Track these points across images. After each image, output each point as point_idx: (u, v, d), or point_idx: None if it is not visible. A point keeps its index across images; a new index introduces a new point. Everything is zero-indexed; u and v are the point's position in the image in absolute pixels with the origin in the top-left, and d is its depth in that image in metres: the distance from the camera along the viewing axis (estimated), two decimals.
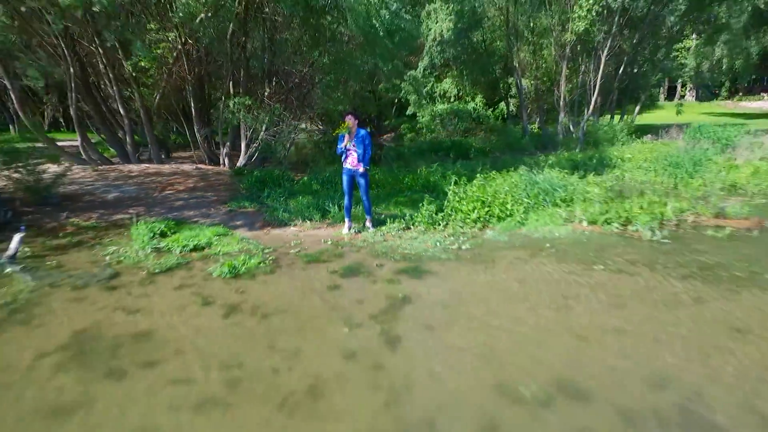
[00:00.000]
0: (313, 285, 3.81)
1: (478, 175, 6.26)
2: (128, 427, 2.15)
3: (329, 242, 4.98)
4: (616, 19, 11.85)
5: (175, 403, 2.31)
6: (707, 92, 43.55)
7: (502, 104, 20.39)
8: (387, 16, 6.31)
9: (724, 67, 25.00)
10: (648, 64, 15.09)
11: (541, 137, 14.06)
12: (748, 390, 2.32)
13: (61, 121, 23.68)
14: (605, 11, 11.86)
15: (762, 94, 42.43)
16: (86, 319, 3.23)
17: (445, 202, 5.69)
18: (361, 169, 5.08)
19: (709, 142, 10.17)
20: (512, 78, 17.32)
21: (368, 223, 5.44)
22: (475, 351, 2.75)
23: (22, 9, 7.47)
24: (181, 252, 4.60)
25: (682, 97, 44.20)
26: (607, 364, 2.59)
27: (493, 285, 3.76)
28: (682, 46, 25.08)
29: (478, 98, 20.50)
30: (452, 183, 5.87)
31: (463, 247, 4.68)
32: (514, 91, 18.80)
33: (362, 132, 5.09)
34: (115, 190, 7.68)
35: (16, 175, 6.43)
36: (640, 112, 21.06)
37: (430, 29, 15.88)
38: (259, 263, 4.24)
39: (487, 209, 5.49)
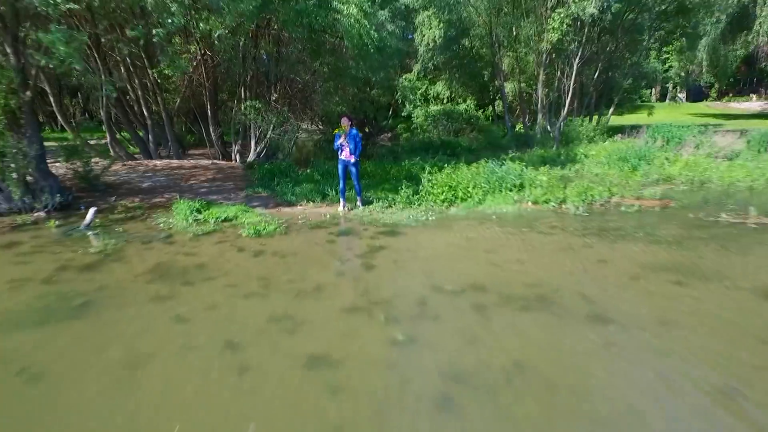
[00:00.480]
0: (315, 240, 5.29)
1: (446, 166, 7.76)
2: (201, 306, 3.62)
3: (328, 216, 6.46)
4: (586, 30, 13.33)
5: (229, 296, 3.78)
6: (697, 93, 44.95)
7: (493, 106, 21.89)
8: (376, 36, 7.77)
9: (703, 70, 26.49)
10: (620, 70, 16.54)
11: (522, 136, 15.53)
12: (584, 287, 3.78)
13: (72, 121, 25.17)
14: (578, 23, 13.35)
15: (751, 95, 43.73)
16: (158, 259, 4.71)
17: (420, 187, 7.17)
18: (352, 160, 6.57)
19: (664, 140, 11.64)
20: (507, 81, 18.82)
21: (359, 203, 6.92)
22: (422, 270, 4.22)
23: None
24: (215, 222, 6.08)
25: (674, 98, 45.73)
26: (505, 277, 4.06)
27: (445, 239, 5.24)
28: (673, 48, 26.60)
29: (470, 100, 22.00)
30: (426, 173, 7.35)
31: (430, 218, 6.16)
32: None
33: (354, 131, 6.58)
34: (147, 180, 9.17)
35: (72, 167, 7.92)
36: (623, 113, 22.57)
37: (423, 35, 17.43)
38: (275, 228, 5.71)
39: (453, 192, 6.96)
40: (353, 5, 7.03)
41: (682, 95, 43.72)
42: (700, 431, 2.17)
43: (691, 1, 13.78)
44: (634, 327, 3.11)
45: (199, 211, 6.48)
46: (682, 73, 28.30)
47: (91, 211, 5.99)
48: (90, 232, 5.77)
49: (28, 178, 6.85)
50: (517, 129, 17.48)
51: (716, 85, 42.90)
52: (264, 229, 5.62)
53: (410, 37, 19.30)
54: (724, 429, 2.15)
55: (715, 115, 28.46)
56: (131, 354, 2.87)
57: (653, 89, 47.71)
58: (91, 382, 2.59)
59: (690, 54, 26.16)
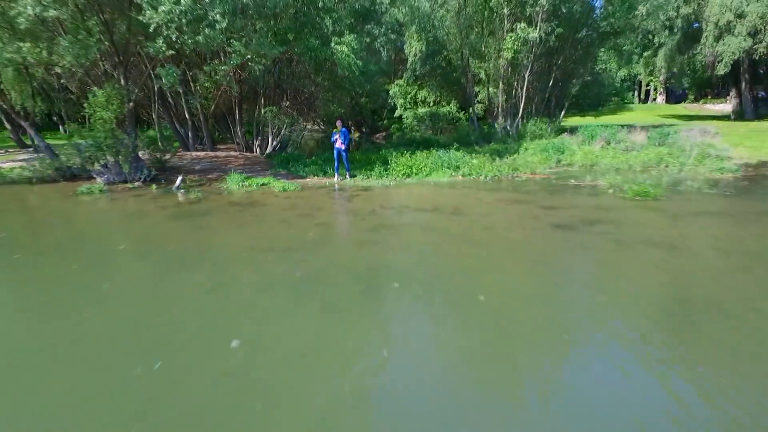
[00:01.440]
0: (320, 194, 9.03)
1: (406, 153, 11.50)
2: (261, 212, 7.33)
3: (327, 183, 10.20)
4: (534, 49, 17.03)
5: (275, 209, 7.50)
6: (681, 96, 48.59)
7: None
8: (360, 64, 11.48)
9: (661, 76, 30.16)
10: (572, 80, 20.22)
11: (488, 134, 19.24)
12: (464, 207, 7.50)
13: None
14: (528, 42, 17.02)
15: (729, 97, 47.16)
16: (229, 200, 8.44)
17: (388, 166, 10.90)
18: (342, 147, 10.31)
19: (585, 136, 15.33)
20: (478, 88, 22.57)
21: (348, 176, 10.66)
22: (379, 202, 7.94)
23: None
24: (256, 186, 9.82)
25: (654, 99, 49.41)
26: (423, 203, 7.77)
27: (398, 192, 8.97)
28: (650, 53, 30.32)
29: (453, 103, 25.73)
30: (393, 157, 11.09)
31: (392, 184, 9.89)
32: (480, 97, 23.98)
33: (344, 129, 10.32)
34: (197, 164, 12.95)
35: (149, 153, 11.70)
36: (602, 114, 26.38)
37: (412, 47, 21.14)
38: (294, 188, 9.44)
39: (409, 169, 10.69)
40: (344, 45, 10.77)
41: (662, 98, 47.31)
42: None
43: (617, 26, 17.48)
44: (474, 215, 6.79)
45: (243, 180, 10.24)
46: (655, 78, 31.89)
47: (179, 177, 9.75)
48: (179, 191, 9.53)
49: (129, 159, 10.63)
50: (487, 128, 21.18)
51: (693, 88, 46.43)
52: (288, 188, 9.35)
53: (402, 46, 23.07)
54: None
55: (681, 116, 32.06)
56: (241, 224, 6.61)
57: (635, 92, 51.46)
58: (230, 231, 6.32)
59: (652, 62, 29.96)
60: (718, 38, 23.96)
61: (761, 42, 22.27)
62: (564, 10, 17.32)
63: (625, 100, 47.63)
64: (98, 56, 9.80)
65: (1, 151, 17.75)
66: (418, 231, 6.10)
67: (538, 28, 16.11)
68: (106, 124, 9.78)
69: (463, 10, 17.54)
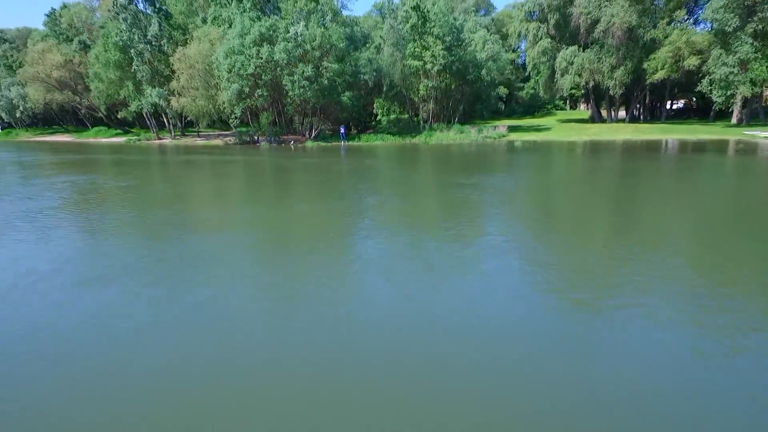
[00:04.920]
0: (337, 147, 30.45)
1: (366, 138, 32.89)
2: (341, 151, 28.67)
3: (333, 143, 31.68)
4: (438, 82, 38.13)
5: (327, 149, 28.86)
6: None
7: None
8: (352, 102, 32.41)
9: (543, 93, 50.95)
10: (459, 101, 41.22)
11: (417, 128, 40.38)
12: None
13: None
14: (429, 86, 38.02)
15: (588, 106, 66.98)
16: (314, 147, 29.84)
17: (357, 140, 32.42)
18: (343, 132, 31.84)
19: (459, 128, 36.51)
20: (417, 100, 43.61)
21: (343, 143, 32.17)
22: (354, 147, 29.26)
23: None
24: (315, 144, 31.34)
25: (573, 107, 69.96)
26: (380, 149, 29.10)
27: (365, 145, 30.38)
28: (531, 84, 51.17)
29: (406, 111, 46.86)
30: (360, 138, 32.64)
31: (363, 144, 31.39)
32: (423, 107, 44.92)
33: (342, 128, 31.88)
34: (291, 139, 34.63)
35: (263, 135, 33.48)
36: (535, 116, 47.43)
37: (384, 84, 42.24)
38: (329, 144, 30.84)
39: (366, 141, 32.19)
40: (347, 95, 31.94)
41: (584, 105, 67.74)
42: None
43: (495, 78, 38.61)
44: (389, 149, 27.99)
45: (307, 144, 31.76)
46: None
47: (291, 141, 31.27)
48: (292, 145, 31.08)
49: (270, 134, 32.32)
50: (422, 126, 42.24)
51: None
52: (327, 144, 30.74)
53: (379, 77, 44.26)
54: None
55: (561, 119, 52.76)
56: (326, 153, 28.01)
57: (567, 101, 72.07)
58: (323, 154, 27.75)
59: (541, 84, 50.84)
60: (561, 75, 44.89)
61: (589, 77, 42.82)
62: (453, 69, 38.45)
63: (557, 107, 68.40)
64: (265, 104, 31.38)
65: (221, 132, 39.62)
66: (368, 152, 27.52)
67: (434, 79, 37.39)
68: (266, 122, 31.28)
69: (402, 71, 38.88)
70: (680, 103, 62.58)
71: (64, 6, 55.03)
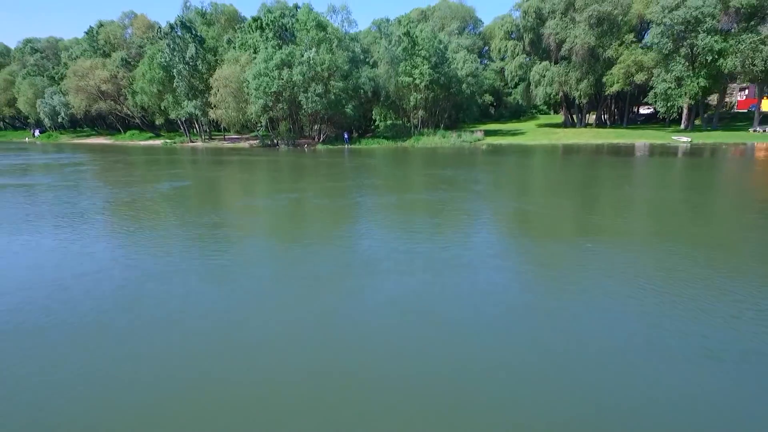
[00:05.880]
0: (342, 148, 38.56)
1: (366, 142, 40.97)
2: (356, 152, 36.77)
3: (343, 147, 39.79)
4: (425, 99, 46.17)
5: (334, 152, 36.96)
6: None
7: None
8: (353, 112, 40.29)
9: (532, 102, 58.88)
10: (446, 108, 49.20)
11: (411, 133, 48.43)
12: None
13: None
14: (418, 98, 46.01)
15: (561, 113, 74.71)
16: (324, 150, 38.01)
17: (360, 143, 40.55)
18: (347, 137, 39.97)
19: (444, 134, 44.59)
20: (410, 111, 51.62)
21: (347, 146, 40.28)
22: (356, 148, 37.33)
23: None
24: (325, 147, 39.47)
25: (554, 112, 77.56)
26: (377, 149, 37.16)
27: (364, 147, 38.49)
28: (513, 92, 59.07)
29: (400, 117, 54.90)
30: (360, 142, 40.79)
31: (363, 147, 39.52)
32: (414, 114, 52.89)
33: (346, 133, 40.01)
34: (305, 142, 42.83)
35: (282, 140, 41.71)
36: (521, 120, 55.50)
37: (380, 96, 50.26)
38: (336, 147, 38.94)
39: (366, 144, 40.31)
40: (350, 107, 39.92)
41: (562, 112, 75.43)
42: None
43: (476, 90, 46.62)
44: (389, 150, 36.07)
45: (318, 147, 39.90)
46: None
47: (306, 145, 39.39)
48: (307, 149, 39.23)
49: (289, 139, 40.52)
50: (413, 131, 50.27)
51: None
52: (335, 147, 38.84)
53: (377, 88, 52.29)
54: None
55: (539, 123, 60.68)
56: (335, 154, 36.13)
57: (551, 106, 79.73)
58: (333, 156, 35.88)
59: (519, 93, 58.80)
60: (536, 86, 52.78)
61: (559, 88, 50.77)
62: (440, 83, 46.44)
63: (541, 112, 76.27)
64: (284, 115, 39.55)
65: (240, 136, 47.86)
66: (367, 154, 35.68)
67: (422, 93, 45.48)
68: (284, 129, 39.37)
69: (396, 85, 46.92)
70: (650, 109, 70.29)
71: (101, 24, 63.48)
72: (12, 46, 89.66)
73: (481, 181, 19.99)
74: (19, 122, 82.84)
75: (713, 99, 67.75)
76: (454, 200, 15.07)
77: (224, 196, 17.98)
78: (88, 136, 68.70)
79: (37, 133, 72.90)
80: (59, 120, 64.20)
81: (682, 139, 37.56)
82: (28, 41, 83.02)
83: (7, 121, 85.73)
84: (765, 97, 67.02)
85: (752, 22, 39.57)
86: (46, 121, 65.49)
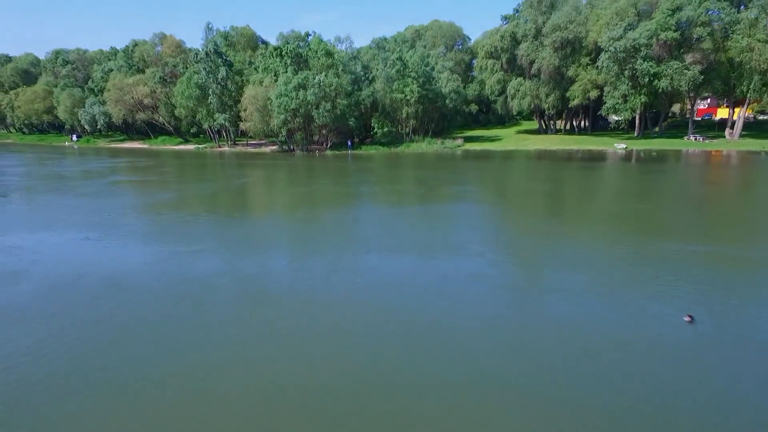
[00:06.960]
0: (344, 154, 48.70)
1: (365, 147, 51.06)
2: (362, 154, 46.85)
3: (346, 152, 49.92)
4: (416, 110, 56.15)
5: (339, 155, 47.07)
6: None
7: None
8: (355, 124, 50.20)
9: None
10: (436, 118, 59.17)
11: (404, 140, 58.45)
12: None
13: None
14: (409, 110, 55.97)
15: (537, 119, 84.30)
16: (335, 154, 48.12)
17: (361, 149, 50.72)
18: (350, 144, 50.14)
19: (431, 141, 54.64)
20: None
21: (350, 151, 50.43)
22: (356, 154, 47.43)
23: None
24: (332, 152, 49.64)
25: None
26: (376, 155, 47.27)
27: (364, 153, 48.63)
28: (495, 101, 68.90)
29: (396, 125, 64.92)
30: (361, 148, 50.97)
31: (363, 153, 49.69)
32: (406, 123, 62.81)
33: (349, 141, 50.18)
34: (317, 148, 53.04)
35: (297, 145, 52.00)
36: (506, 126, 65.57)
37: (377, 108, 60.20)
38: (340, 153, 49.06)
39: (366, 149, 50.47)
40: (353, 118, 49.93)
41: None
42: None
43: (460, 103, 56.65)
44: (386, 156, 46.08)
45: (327, 152, 50.07)
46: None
47: (317, 150, 49.53)
48: (319, 154, 49.40)
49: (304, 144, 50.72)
50: (405, 138, 60.21)
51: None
52: (340, 152, 48.93)
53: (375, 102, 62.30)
54: None
55: (520, 129, 70.52)
56: (338, 158, 46.25)
57: (534, 113, 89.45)
58: (338, 160, 46.01)
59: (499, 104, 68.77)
60: (512, 98, 62.67)
61: (531, 101, 60.82)
62: (428, 97, 56.49)
63: (524, 118, 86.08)
64: (297, 127, 49.86)
65: (260, 142, 58.11)
66: (366, 158, 45.80)
67: (412, 107, 55.61)
68: (299, 137, 49.51)
69: (391, 99, 57.01)
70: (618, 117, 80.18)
71: (135, 43, 73.98)
72: (41, 56, 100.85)
73: (438, 178, 30.05)
74: (55, 128, 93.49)
75: (677, 108, 77.68)
76: (417, 189, 25.26)
77: (282, 186, 28.16)
78: (122, 141, 79.13)
79: (74, 137, 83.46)
80: (98, 127, 74.68)
81: (620, 146, 47.33)
82: (57, 53, 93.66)
83: (45, 127, 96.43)
84: (720, 107, 77.38)
85: (680, 51, 49.47)
86: (87, 128, 75.98)
